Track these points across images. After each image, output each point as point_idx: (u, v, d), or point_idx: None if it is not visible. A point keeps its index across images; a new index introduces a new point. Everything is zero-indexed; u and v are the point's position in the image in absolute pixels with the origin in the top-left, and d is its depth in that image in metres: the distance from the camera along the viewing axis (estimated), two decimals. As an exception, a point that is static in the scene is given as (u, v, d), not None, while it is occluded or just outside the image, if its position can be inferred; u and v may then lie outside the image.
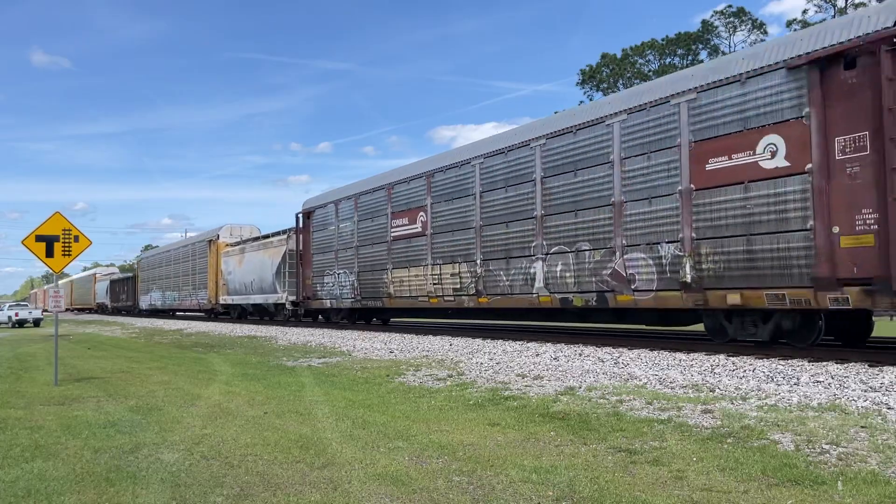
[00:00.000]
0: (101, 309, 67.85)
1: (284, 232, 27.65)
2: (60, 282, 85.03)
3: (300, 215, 24.64)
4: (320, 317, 26.79)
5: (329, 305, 22.76)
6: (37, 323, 37.64)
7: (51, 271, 10.97)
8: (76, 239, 10.81)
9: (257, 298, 29.59)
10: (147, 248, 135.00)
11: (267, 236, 29.89)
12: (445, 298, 17.00)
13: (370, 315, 23.66)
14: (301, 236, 24.61)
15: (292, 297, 25.70)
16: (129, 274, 63.80)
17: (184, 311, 43.47)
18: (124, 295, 57.39)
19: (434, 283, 17.34)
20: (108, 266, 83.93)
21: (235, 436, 6.03)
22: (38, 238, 10.57)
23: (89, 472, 4.93)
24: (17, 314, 37.60)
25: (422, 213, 18.00)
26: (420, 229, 18.03)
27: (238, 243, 33.35)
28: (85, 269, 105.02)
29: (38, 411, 7.68)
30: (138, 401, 8.20)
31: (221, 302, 34.08)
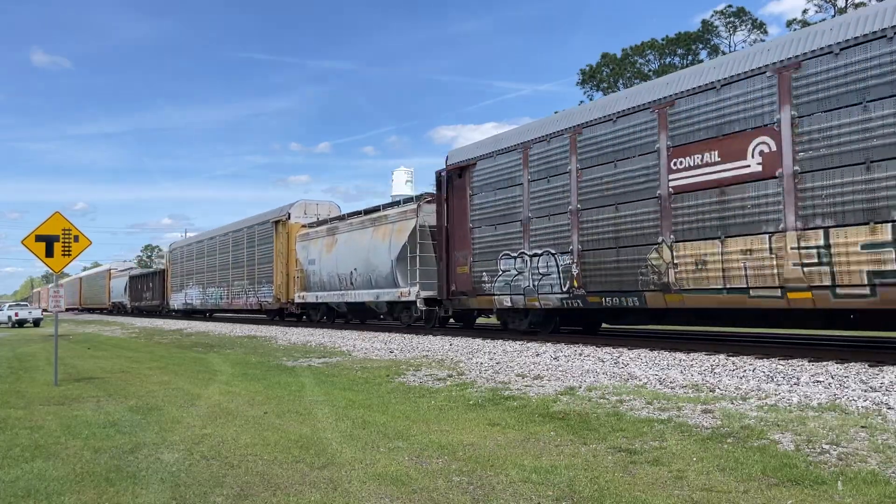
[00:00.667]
0: (117, 309, 59.61)
1: (410, 201, 20.44)
2: (68, 279, 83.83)
3: (444, 175, 17.36)
4: (450, 319, 19.45)
5: (508, 304, 15.32)
6: (37, 323, 37.65)
7: (51, 271, 10.97)
8: (76, 239, 10.81)
9: (363, 295, 21.71)
10: (147, 247, 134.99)
11: (377, 209, 22.42)
12: (840, 292, 9.47)
13: (600, 318, 15.78)
14: (447, 205, 17.27)
15: (428, 293, 18.31)
16: (154, 268, 55.71)
17: (234, 311, 35.37)
18: (148, 293, 48.97)
19: (804, 263, 9.83)
20: (123, 262, 77.47)
21: (235, 436, 6.03)
22: (38, 238, 10.57)
23: (89, 472, 4.93)
24: (16, 314, 37.63)
25: (763, 141, 10.36)
26: (758, 168, 10.38)
27: (320, 223, 25.86)
28: (85, 269, 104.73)
29: (38, 411, 7.68)
30: (138, 401, 8.20)
31: (298, 300, 26.05)
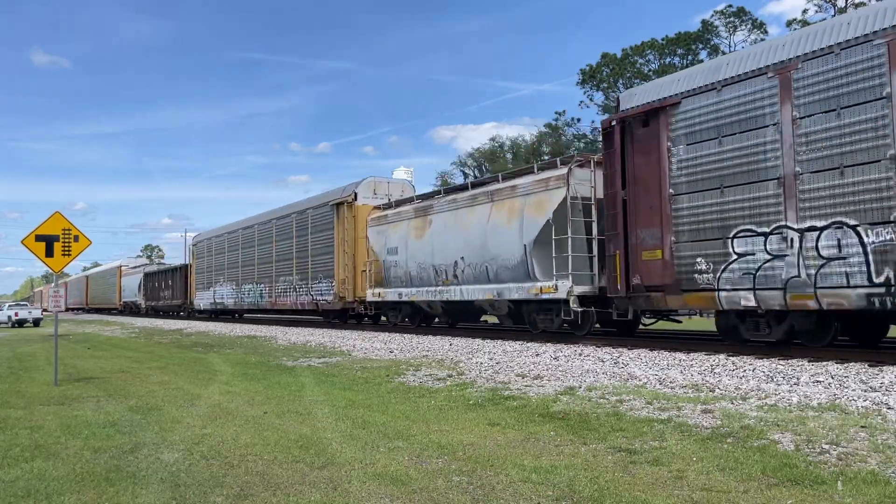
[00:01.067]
0: (129, 309, 54.46)
1: (553, 165, 15.13)
2: (73, 277, 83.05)
3: (616, 124, 12.49)
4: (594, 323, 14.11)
5: (748, 303, 10.45)
6: (36, 323, 37.69)
7: (50, 271, 10.98)
8: (76, 239, 10.82)
9: (474, 291, 16.50)
10: (147, 247, 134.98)
11: (494, 179, 17.12)
12: None
13: None
14: (622, 165, 12.35)
15: (582, 288, 13.65)
16: (173, 264, 49.57)
17: (278, 312, 30.03)
18: (167, 291, 43.54)
19: None
20: (134, 258, 72.54)
21: (235, 436, 6.03)
22: (38, 238, 10.58)
23: (89, 472, 4.93)
24: (16, 314, 37.70)
25: None
26: None
27: (402, 202, 20.70)
28: (85, 268, 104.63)
29: (38, 411, 7.68)
30: (138, 401, 8.20)
31: (372, 298, 20.86)
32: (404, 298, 19.25)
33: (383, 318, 22.59)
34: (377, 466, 4.88)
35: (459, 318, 19.86)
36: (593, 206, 13.83)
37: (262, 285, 28.77)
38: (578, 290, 13.61)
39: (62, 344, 18.35)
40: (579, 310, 13.52)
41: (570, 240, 13.69)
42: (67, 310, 72.60)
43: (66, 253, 10.73)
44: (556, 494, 4.14)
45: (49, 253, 10.58)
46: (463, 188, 18.14)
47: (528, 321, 15.58)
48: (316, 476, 4.69)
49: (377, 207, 21.77)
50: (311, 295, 24.60)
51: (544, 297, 14.40)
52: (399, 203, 20.67)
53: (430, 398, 7.77)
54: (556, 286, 13.96)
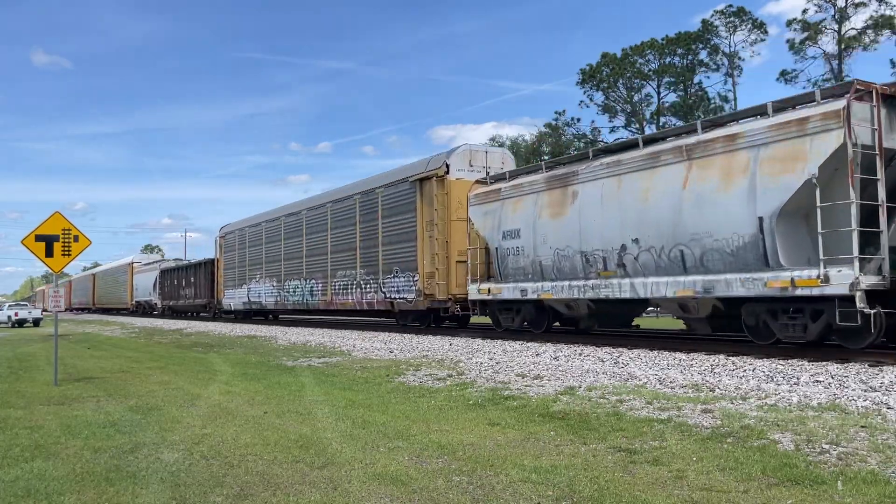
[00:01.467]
0: (142, 310, 50.66)
1: (808, 99, 10.21)
2: (78, 276, 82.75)
3: None
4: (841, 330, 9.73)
5: None
6: (36, 323, 37.70)
7: (50, 271, 10.99)
8: (76, 238, 10.82)
9: (655, 286, 11.86)
10: (147, 247, 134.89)
11: (691, 128, 11.98)
12: None
13: None
14: None
15: (870, 279, 9.32)
16: (194, 260, 43.83)
17: (334, 313, 25.60)
18: (189, 290, 39.22)
19: None
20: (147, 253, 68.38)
21: (235, 435, 6.03)
22: (38, 238, 10.58)
23: (89, 472, 4.94)
24: (16, 314, 37.70)
25: None
26: None
27: (523, 171, 16.29)
28: (85, 269, 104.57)
29: (38, 411, 7.68)
30: (138, 400, 8.20)
31: (476, 297, 16.47)
32: (530, 296, 14.84)
33: (474, 319, 18.41)
34: (377, 466, 4.88)
35: (609, 322, 15.28)
36: (878, 158, 9.50)
37: (314, 281, 24.34)
38: (867, 281, 9.24)
39: (62, 344, 18.35)
40: (869, 311, 9.15)
41: (854, 206, 9.30)
42: (73, 310, 72.29)
43: (66, 253, 10.73)
44: (556, 494, 4.14)
45: (49, 253, 10.58)
46: (630, 145, 13.27)
47: (748, 326, 11.00)
48: (316, 476, 4.69)
49: (480, 182, 17.40)
50: (384, 292, 20.13)
51: (800, 292, 9.83)
52: (516, 173, 16.21)
53: (430, 398, 7.77)
54: (826, 276, 9.47)
